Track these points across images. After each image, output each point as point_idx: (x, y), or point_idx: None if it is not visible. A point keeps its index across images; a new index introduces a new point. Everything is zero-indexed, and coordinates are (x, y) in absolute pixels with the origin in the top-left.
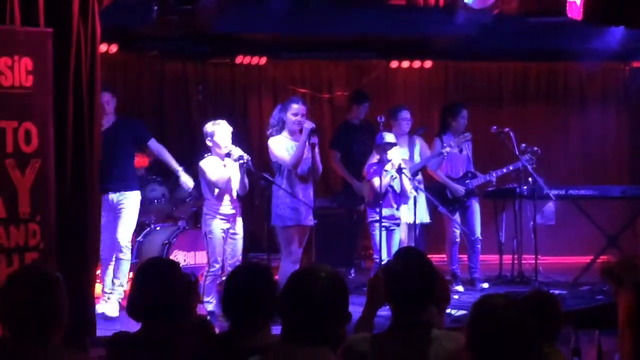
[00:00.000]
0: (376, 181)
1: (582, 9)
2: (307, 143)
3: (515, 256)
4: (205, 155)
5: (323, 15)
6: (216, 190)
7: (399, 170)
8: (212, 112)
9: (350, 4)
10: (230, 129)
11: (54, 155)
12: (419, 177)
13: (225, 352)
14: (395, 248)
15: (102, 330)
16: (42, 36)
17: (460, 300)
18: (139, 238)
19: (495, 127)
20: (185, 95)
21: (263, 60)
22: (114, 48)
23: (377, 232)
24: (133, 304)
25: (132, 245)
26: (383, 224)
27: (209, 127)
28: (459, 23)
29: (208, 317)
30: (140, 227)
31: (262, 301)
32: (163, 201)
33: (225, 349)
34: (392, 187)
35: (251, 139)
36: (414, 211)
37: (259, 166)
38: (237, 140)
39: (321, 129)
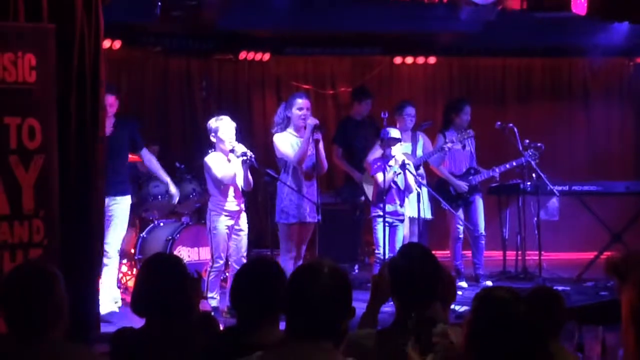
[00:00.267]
0: (380, 177)
1: (586, 5)
2: (310, 139)
3: (519, 252)
4: (209, 151)
5: (326, 11)
6: (221, 187)
7: (403, 166)
8: (215, 108)
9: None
10: (234, 124)
11: (58, 151)
12: (421, 171)
13: (230, 347)
14: (398, 244)
15: (107, 326)
16: (45, 32)
17: (464, 297)
18: (143, 234)
19: (499, 123)
20: (188, 91)
21: (267, 56)
22: (117, 44)
23: (379, 228)
24: (137, 300)
25: (120, 251)
26: (386, 220)
27: (213, 123)
28: (463, 19)
29: (212, 313)
30: (143, 223)
31: (271, 297)
32: (167, 197)
33: (230, 344)
34: (395, 182)
35: (255, 135)
36: (418, 207)
37: (263, 162)
38: (240, 136)
39: (325, 125)
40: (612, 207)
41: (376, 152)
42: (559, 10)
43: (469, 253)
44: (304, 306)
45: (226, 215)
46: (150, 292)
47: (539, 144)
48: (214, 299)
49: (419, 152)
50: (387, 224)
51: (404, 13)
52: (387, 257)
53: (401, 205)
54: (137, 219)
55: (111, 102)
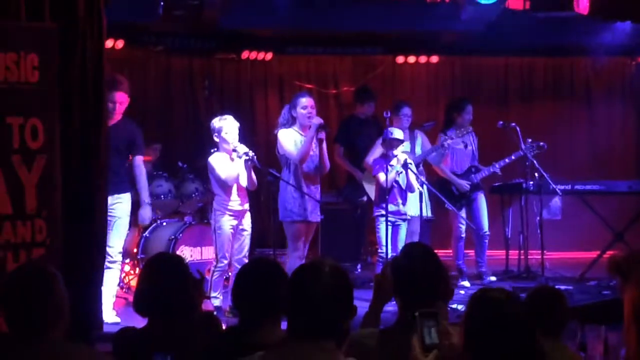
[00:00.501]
0: (382, 176)
1: (588, 4)
2: (314, 138)
3: (522, 251)
4: (212, 150)
5: (329, 10)
6: (225, 187)
7: (405, 166)
8: (218, 107)
9: None
10: (237, 124)
11: (60, 151)
12: (420, 169)
13: (232, 347)
14: (401, 243)
15: (109, 326)
16: (48, 32)
17: (466, 296)
18: (146, 234)
19: (501, 122)
20: (191, 91)
21: (269, 55)
22: (120, 43)
23: (382, 227)
24: (139, 299)
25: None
26: (389, 219)
27: (216, 122)
28: (466, 18)
29: (214, 313)
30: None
31: (273, 296)
32: (169, 197)
33: (232, 343)
34: (397, 182)
35: (257, 134)
36: (420, 206)
37: (266, 162)
38: (243, 135)
39: (328, 124)
40: (614, 206)
41: (375, 152)
42: (562, 10)
43: (471, 252)
44: (305, 306)
45: (230, 215)
46: (153, 292)
47: (541, 143)
48: (216, 299)
49: (418, 151)
50: (389, 224)
51: (406, 12)
52: (389, 256)
53: (403, 204)
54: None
55: (122, 99)
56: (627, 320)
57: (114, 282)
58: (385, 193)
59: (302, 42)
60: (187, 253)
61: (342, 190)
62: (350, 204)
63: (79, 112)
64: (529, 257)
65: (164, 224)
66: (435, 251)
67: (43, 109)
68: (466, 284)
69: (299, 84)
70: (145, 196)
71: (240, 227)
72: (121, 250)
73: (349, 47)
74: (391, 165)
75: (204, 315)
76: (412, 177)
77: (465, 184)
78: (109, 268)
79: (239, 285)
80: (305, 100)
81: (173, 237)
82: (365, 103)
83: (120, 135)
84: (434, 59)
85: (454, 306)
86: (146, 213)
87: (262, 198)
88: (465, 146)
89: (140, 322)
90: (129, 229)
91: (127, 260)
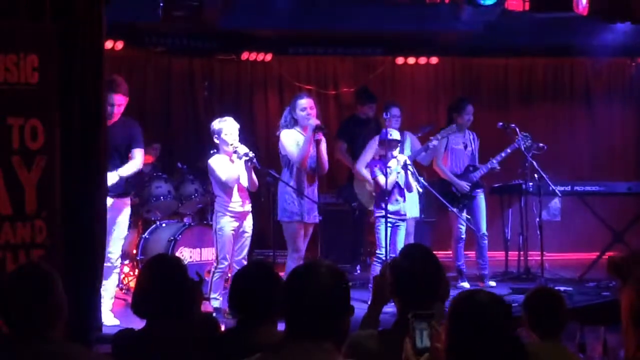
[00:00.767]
0: (382, 179)
1: (587, 5)
2: (312, 140)
3: (521, 252)
4: (212, 152)
5: (329, 11)
6: (226, 188)
7: (405, 167)
8: (218, 108)
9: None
10: (237, 125)
11: (60, 152)
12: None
13: (231, 349)
14: (400, 244)
15: (108, 327)
16: (47, 33)
17: None
18: (145, 235)
19: (501, 123)
20: (191, 92)
21: (269, 56)
22: (120, 44)
23: (382, 228)
24: (138, 301)
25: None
26: (389, 220)
27: (216, 124)
28: (465, 19)
29: (214, 314)
30: (146, 224)
31: (268, 298)
32: (169, 198)
33: (231, 345)
34: (397, 183)
35: (257, 135)
36: (420, 207)
37: (265, 162)
38: (243, 136)
39: (327, 125)
40: (614, 207)
41: (367, 156)
42: (561, 11)
43: (471, 253)
44: (302, 306)
45: (232, 217)
46: (151, 294)
47: (541, 144)
48: (216, 300)
49: (407, 152)
50: (389, 224)
51: (406, 13)
52: (388, 257)
53: (404, 202)
54: (140, 220)
55: (121, 101)
56: (625, 322)
57: (113, 284)
58: (385, 194)
59: (302, 43)
60: (186, 254)
61: (341, 190)
62: (350, 204)
63: (79, 113)
64: (528, 258)
65: (164, 225)
66: (435, 252)
67: (43, 109)
68: (466, 285)
69: (299, 85)
70: (121, 170)
71: (241, 229)
72: (120, 255)
73: (349, 48)
74: (389, 167)
75: (202, 317)
76: (411, 178)
77: (465, 185)
78: (109, 273)
79: (235, 287)
80: (303, 102)
81: (172, 238)
82: (366, 104)
83: (119, 135)
84: (434, 60)
85: None
86: (108, 177)
87: (262, 199)
88: (465, 147)
89: (139, 324)
90: (128, 231)
91: (127, 262)
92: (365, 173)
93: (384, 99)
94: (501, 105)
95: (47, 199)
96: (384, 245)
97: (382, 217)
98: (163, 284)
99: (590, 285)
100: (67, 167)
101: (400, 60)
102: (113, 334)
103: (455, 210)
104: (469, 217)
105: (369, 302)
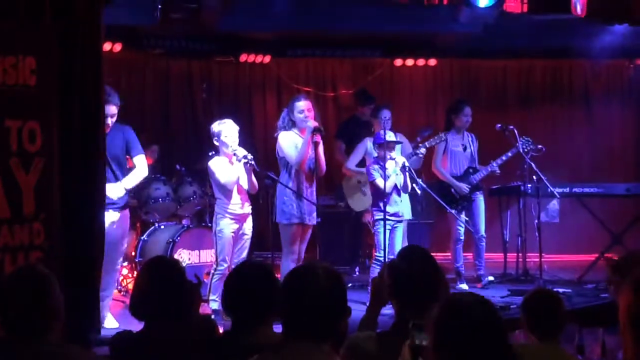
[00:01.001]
0: (380, 182)
1: (585, 7)
2: (310, 142)
3: (520, 254)
4: (210, 154)
5: (327, 13)
6: (226, 190)
7: (403, 169)
8: (216, 110)
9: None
10: (237, 127)
11: (59, 154)
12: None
13: (226, 351)
14: (397, 245)
15: (107, 329)
16: (45, 35)
17: None
18: (143, 237)
19: (499, 125)
20: (189, 94)
21: (267, 58)
22: (118, 47)
23: (381, 230)
24: (136, 303)
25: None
26: (387, 222)
27: (216, 126)
28: (464, 21)
29: (212, 316)
30: (144, 226)
31: (263, 300)
32: (167, 200)
33: (226, 347)
34: (394, 184)
35: (256, 137)
36: (418, 209)
37: (264, 164)
38: (241, 138)
39: (325, 127)
40: (612, 209)
41: (357, 155)
42: (559, 12)
43: (470, 255)
44: (300, 308)
45: (232, 219)
46: (150, 295)
47: (539, 146)
48: (215, 302)
49: (397, 153)
50: (387, 227)
51: (404, 15)
52: (387, 259)
53: (402, 202)
54: (138, 222)
55: (113, 112)
56: (623, 323)
57: (112, 287)
58: (383, 196)
59: (300, 44)
60: (185, 256)
61: (340, 192)
62: (344, 205)
63: (77, 115)
64: (527, 259)
65: (162, 227)
66: (434, 254)
67: (41, 112)
68: (464, 286)
69: (297, 86)
70: (127, 181)
71: (241, 231)
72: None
73: (347, 49)
74: (385, 168)
75: (201, 319)
76: (408, 180)
77: (464, 187)
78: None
79: (226, 289)
80: (301, 104)
81: (171, 240)
82: (366, 105)
83: (115, 142)
84: (432, 61)
85: None
86: (114, 190)
87: (260, 201)
88: (464, 149)
89: (137, 326)
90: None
91: (125, 264)
92: (356, 169)
93: (382, 101)
94: (500, 107)
95: (45, 201)
96: (382, 247)
97: (381, 219)
98: (161, 286)
99: (589, 287)
100: (65, 169)
101: (398, 62)
102: (111, 336)
103: (453, 211)
104: (467, 218)
105: (367, 304)
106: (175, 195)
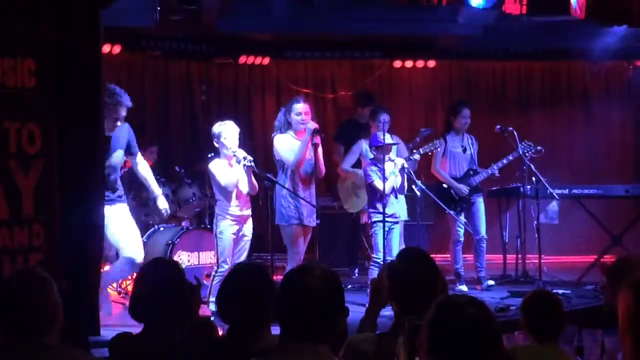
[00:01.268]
0: (379, 183)
1: (585, 8)
2: (309, 143)
3: (519, 256)
4: (210, 155)
5: (326, 14)
6: (226, 192)
7: (402, 170)
8: (215, 112)
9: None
10: (237, 129)
11: (58, 156)
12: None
13: (225, 354)
14: (395, 246)
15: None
16: (44, 37)
17: None
18: (143, 238)
19: (498, 126)
20: (189, 95)
21: (266, 60)
22: (117, 48)
23: (379, 232)
24: (135, 305)
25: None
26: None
27: (216, 128)
28: (463, 22)
29: (212, 318)
30: (144, 228)
31: (260, 302)
32: (167, 201)
33: (225, 350)
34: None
35: (255, 139)
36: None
37: (263, 166)
38: (241, 140)
39: (325, 129)
40: (612, 210)
41: (352, 156)
42: (558, 14)
43: (470, 257)
44: (297, 309)
45: (232, 220)
46: (149, 297)
47: (539, 147)
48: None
49: (393, 155)
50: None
51: (403, 16)
52: (385, 261)
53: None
54: (138, 223)
55: (124, 114)
56: (621, 325)
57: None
58: (381, 198)
59: (299, 46)
60: (184, 258)
61: (336, 191)
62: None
63: (77, 117)
64: (526, 261)
65: (161, 228)
66: (433, 255)
67: (40, 113)
68: (464, 288)
69: (297, 88)
70: (156, 188)
71: (241, 232)
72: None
73: (347, 51)
74: (384, 170)
75: (200, 321)
76: (406, 181)
77: (464, 188)
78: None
79: (221, 293)
80: (299, 107)
81: (170, 242)
82: (366, 107)
83: (120, 142)
84: (431, 63)
85: None
86: (163, 204)
87: (259, 202)
88: (464, 150)
89: (136, 328)
90: None
91: None
92: (351, 170)
93: (382, 103)
94: (499, 109)
95: (44, 203)
96: (380, 249)
97: (379, 221)
98: (161, 288)
99: (589, 288)
100: (65, 170)
101: (397, 63)
102: (110, 338)
103: (452, 213)
104: (465, 220)
105: (367, 306)
106: (174, 197)
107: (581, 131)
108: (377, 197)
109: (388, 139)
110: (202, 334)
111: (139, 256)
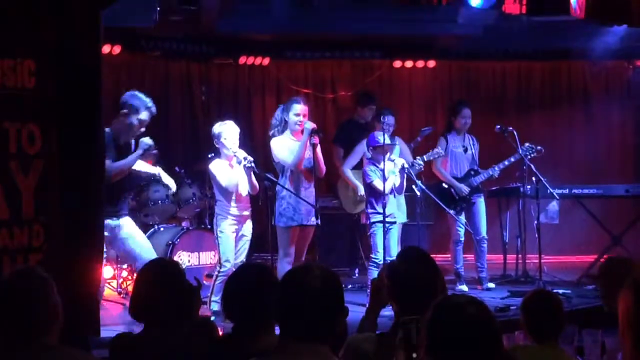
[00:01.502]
0: (378, 184)
1: (584, 8)
2: (308, 143)
3: (519, 255)
4: (210, 155)
5: (326, 15)
6: (227, 192)
7: (402, 170)
8: (215, 112)
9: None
10: (237, 129)
11: (58, 156)
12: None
13: (227, 355)
14: (393, 246)
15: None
16: (44, 37)
17: None
18: None
19: (498, 126)
20: (189, 96)
21: (266, 60)
22: (117, 49)
23: (378, 232)
24: (136, 305)
25: None
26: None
27: (217, 128)
28: (463, 22)
29: (212, 318)
30: (144, 228)
31: (264, 302)
32: (167, 202)
33: (227, 351)
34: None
35: (255, 139)
36: (416, 211)
37: (263, 166)
38: (241, 140)
39: (324, 129)
40: (612, 210)
41: (355, 157)
42: (558, 14)
43: (470, 257)
44: (296, 309)
45: (233, 220)
46: (149, 297)
47: (539, 147)
48: (217, 303)
49: (395, 157)
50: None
51: (403, 17)
52: (384, 261)
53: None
54: (138, 224)
55: (147, 123)
56: (622, 325)
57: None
58: (382, 198)
59: (299, 46)
60: (184, 258)
61: (336, 190)
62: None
63: (76, 117)
64: (526, 261)
65: (162, 229)
66: (434, 255)
67: (40, 114)
68: (464, 288)
69: (296, 88)
70: (153, 169)
71: (241, 232)
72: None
73: (347, 51)
74: (381, 170)
75: (200, 321)
76: (405, 182)
77: (464, 188)
78: None
79: (227, 292)
80: (299, 107)
81: (171, 242)
82: (367, 106)
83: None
84: (431, 63)
85: None
86: (167, 179)
87: (259, 202)
88: (465, 150)
89: (136, 328)
90: None
91: (125, 266)
92: (351, 175)
93: (381, 103)
94: (498, 109)
95: (44, 203)
96: (379, 249)
97: (377, 221)
98: (161, 288)
99: (589, 288)
100: (64, 170)
101: (397, 63)
102: (110, 338)
103: (452, 212)
104: (465, 220)
105: (367, 306)
106: (174, 197)
107: (581, 131)
108: (375, 197)
109: (386, 139)
110: (202, 334)
111: None
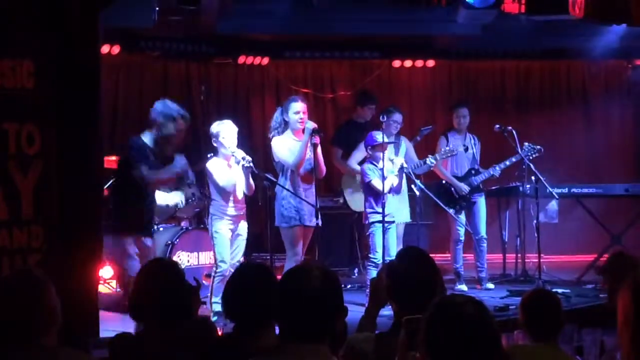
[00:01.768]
0: (377, 183)
1: (584, 8)
2: (309, 143)
3: (519, 255)
4: (209, 155)
5: (325, 15)
6: (223, 192)
7: (401, 170)
8: (215, 112)
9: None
10: (236, 128)
11: (57, 157)
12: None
13: (227, 354)
14: (392, 246)
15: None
16: (43, 38)
17: None
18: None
19: (498, 126)
20: (188, 96)
21: (266, 60)
22: (116, 49)
23: (377, 232)
24: (135, 305)
25: None
26: (381, 223)
27: (215, 127)
28: (462, 22)
29: (214, 318)
30: None
31: (264, 302)
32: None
33: (227, 351)
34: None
35: (254, 139)
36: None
37: (262, 166)
38: (240, 140)
39: (324, 128)
40: (611, 209)
41: (359, 154)
42: (557, 13)
43: (470, 256)
44: (295, 308)
45: (228, 220)
46: (148, 298)
47: (538, 147)
48: (217, 304)
49: (400, 157)
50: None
51: (402, 16)
52: (381, 261)
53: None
54: None
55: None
56: (620, 324)
57: None
58: (381, 198)
59: (298, 46)
60: (184, 258)
61: (339, 194)
62: (348, 208)
63: (76, 117)
64: (526, 260)
65: (161, 229)
66: (433, 255)
67: (39, 114)
68: (463, 287)
69: (296, 88)
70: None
71: (236, 232)
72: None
73: (346, 51)
74: (380, 169)
75: (200, 322)
76: (404, 181)
77: (464, 187)
78: None
79: (228, 293)
80: (297, 105)
81: (170, 242)
82: (366, 106)
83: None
84: (430, 63)
85: None
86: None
87: (259, 203)
88: (466, 149)
89: (136, 328)
90: None
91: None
92: (357, 166)
93: (381, 102)
94: (498, 108)
95: (44, 204)
96: (378, 249)
97: (376, 221)
98: (160, 288)
99: (588, 287)
100: (64, 171)
101: (397, 63)
102: (110, 338)
103: (452, 211)
104: (465, 219)
105: (366, 305)
106: None
107: (580, 130)
108: (374, 196)
109: (386, 138)
110: (202, 334)
111: None
